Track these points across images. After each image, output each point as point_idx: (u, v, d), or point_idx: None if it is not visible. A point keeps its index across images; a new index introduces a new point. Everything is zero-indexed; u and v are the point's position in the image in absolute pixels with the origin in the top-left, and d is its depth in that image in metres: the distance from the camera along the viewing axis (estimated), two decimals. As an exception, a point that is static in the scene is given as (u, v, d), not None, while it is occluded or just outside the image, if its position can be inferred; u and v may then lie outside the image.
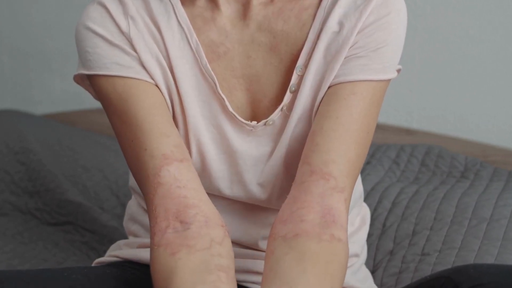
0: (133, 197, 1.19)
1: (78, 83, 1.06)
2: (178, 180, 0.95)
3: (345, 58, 0.99)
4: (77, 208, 1.61)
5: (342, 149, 0.96)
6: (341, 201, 0.94)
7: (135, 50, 1.00)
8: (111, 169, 1.75)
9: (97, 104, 2.27)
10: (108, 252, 1.18)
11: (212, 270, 0.89)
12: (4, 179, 1.73)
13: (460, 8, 2.00)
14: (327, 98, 0.99)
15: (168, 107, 1.01)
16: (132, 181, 1.15)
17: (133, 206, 1.18)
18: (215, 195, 1.06)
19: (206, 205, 0.95)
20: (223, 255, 0.92)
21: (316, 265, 0.89)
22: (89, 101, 2.44)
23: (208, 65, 1.01)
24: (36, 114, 2.33)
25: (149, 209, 0.96)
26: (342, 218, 0.93)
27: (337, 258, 0.91)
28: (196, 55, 1.01)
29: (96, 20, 1.00)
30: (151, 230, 0.95)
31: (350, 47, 0.99)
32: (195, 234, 0.92)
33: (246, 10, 1.01)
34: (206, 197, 0.97)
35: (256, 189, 1.05)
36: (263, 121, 1.03)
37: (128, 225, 1.19)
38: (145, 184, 0.97)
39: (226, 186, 1.05)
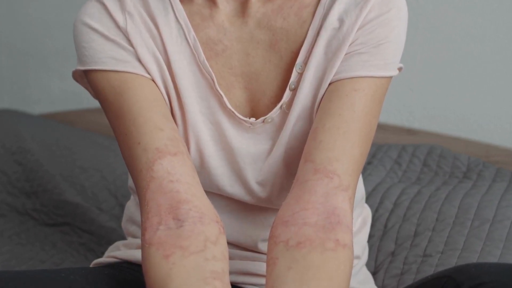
0: (132, 197, 1.18)
1: (76, 80, 1.07)
2: (171, 174, 0.95)
3: (345, 54, 0.99)
4: (75, 209, 1.61)
5: (346, 146, 0.95)
6: (345, 200, 0.93)
7: (131, 45, 1.00)
8: (109, 169, 1.75)
9: (95, 104, 2.27)
10: (107, 253, 1.18)
11: (207, 279, 0.88)
12: (1, 179, 1.72)
13: (461, 7, 1.99)
14: (328, 95, 0.98)
15: (165, 101, 1.01)
16: (131, 181, 1.14)
17: (132, 206, 1.17)
18: (214, 195, 1.06)
19: (199, 200, 0.94)
20: (218, 257, 0.91)
21: (320, 282, 0.88)
22: (87, 101, 2.43)
23: (205, 61, 1.01)
24: (34, 114, 2.32)
25: (141, 204, 0.96)
26: (347, 218, 0.92)
27: (341, 268, 0.90)
28: (194, 52, 1.01)
29: (93, 16, 1.00)
30: (142, 226, 0.94)
31: (351, 44, 0.99)
32: (189, 232, 0.91)
33: (245, 8, 1.01)
34: (200, 191, 0.96)
35: (255, 187, 1.05)
36: (262, 118, 1.02)
37: (126, 226, 1.18)
38: (138, 178, 0.97)
39: (225, 184, 1.05)
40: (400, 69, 1.04)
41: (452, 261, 1.28)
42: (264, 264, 1.07)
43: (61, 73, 2.54)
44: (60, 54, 2.53)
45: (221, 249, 0.92)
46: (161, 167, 0.95)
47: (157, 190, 0.94)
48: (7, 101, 2.65)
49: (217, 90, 1.01)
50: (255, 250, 1.10)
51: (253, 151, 1.03)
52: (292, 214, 0.93)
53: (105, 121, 1.04)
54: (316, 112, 1.00)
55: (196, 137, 1.02)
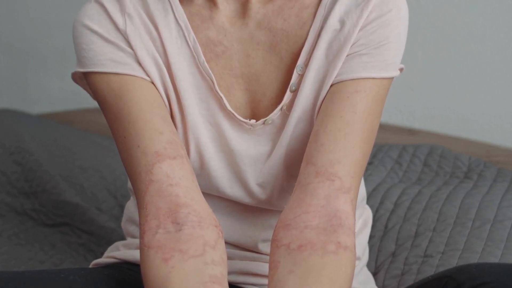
0: (131, 198, 1.18)
1: (76, 82, 1.07)
2: (170, 177, 0.94)
3: (347, 56, 0.98)
4: (74, 209, 1.60)
5: (348, 148, 0.95)
6: (347, 202, 0.93)
7: (131, 47, 0.99)
8: (109, 169, 1.74)
9: (95, 104, 2.25)
10: (106, 254, 1.17)
11: (206, 283, 0.88)
12: (0, 179, 1.72)
13: (462, 7, 1.99)
14: (330, 96, 0.98)
15: (164, 104, 1.00)
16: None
17: (132, 207, 1.17)
18: (214, 197, 1.06)
19: (198, 204, 0.94)
20: (217, 261, 0.91)
21: (321, 285, 0.88)
22: (86, 101, 2.43)
23: (205, 63, 1.00)
24: (33, 114, 2.32)
25: (140, 207, 0.95)
26: (349, 220, 0.92)
27: (343, 270, 0.89)
28: (194, 53, 1.00)
29: (92, 17, 1.00)
30: (140, 229, 0.94)
31: (352, 45, 0.98)
32: (188, 236, 0.91)
33: (245, 9, 1.00)
34: (199, 195, 0.96)
35: (255, 189, 1.04)
36: (262, 119, 1.02)
37: (126, 226, 1.18)
38: (136, 181, 0.96)
39: (225, 186, 1.04)
40: (401, 69, 1.04)
41: (453, 262, 1.28)
42: (264, 264, 1.07)
43: (61, 73, 2.53)
44: (59, 54, 2.53)
45: (220, 254, 0.92)
46: (160, 170, 0.94)
47: (156, 193, 0.94)
48: (6, 101, 2.65)
49: (217, 92, 1.01)
50: (255, 251, 1.10)
51: (253, 153, 1.03)
52: (294, 218, 0.92)
53: (105, 121, 1.04)
54: (317, 114, 0.99)
55: (196, 139, 1.02)
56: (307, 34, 1.00)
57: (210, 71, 1.00)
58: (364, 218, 1.19)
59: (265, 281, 1.08)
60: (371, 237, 1.42)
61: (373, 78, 0.98)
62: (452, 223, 1.39)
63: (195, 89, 1.01)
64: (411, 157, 1.73)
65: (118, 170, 1.74)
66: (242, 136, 1.03)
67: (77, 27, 1.00)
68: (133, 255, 1.10)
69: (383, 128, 1.98)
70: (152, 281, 0.90)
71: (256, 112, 1.03)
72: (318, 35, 0.99)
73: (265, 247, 1.08)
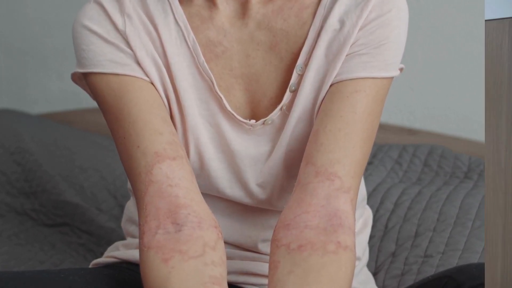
0: (131, 198, 1.18)
1: (76, 82, 1.07)
2: (170, 178, 0.94)
3: (346, 55, 0.98)
4: (74, 209, 1.60)
5: (348, 148, 0.95)
6: (347, 202, 0.93)
7: (130, 48, 0.99)
8: (109, 169, 1.74)
9: (94, 104, 2.25)
10: (106, 254, 1.17)
11: (206, 284, 0.88)
12: (0, 179, 1.72)
13: (462, 7, 1.99)
14: (330, 96, 0.98)
15: (164, 105, 1.00)
16: (130, 182, 1.14)
17: (132, 206, 1.17)
18: (214, 197, 1.06)
19: (198, 205, 0.94)
20: (216, 262, 0.91)
21: (321, 285, 0.88)
22: (86, 101, 2.42)
23: (205, 63, 1.00)
24: (32, 114, 2.32)
25: (139, 207, 0.95)
26: (349, 220, 0.92)
27: (343, 270, 0.89)
28: (193, 54, 1.00)
29: (92, 18, 1.00)
30: (140, 229, 0.94)
31: (352, 45, 0.98)
32: (188, 237, 0.91)
33: (245, 9, 1.00)
34: (199, 196, 0.96)
35: (255, 190, 1.04)
36: (262, 120, 1.02)
37: (126, 226, 1.18)
38: (136, 181, 0.96)
39: (225, 186, 1.04)
40: (401, 69, 1.04)
41: (453, 262, 1.28)
42: (264, 264, 1.07)
43: (60, 73, 2.53)
44: (59, 53, 2.52)
45: (220, 255, 0.92)
46: (160, 171, 0.95)
47: (156, 194, 0.94)
48: (5, 101, 2.65)
49: (217, 93, 1.01)
50: (255, 251, 1.10)
51: (253, 153, 1.03)
52: (294, 218, 0.93)
53: (105, 121, 1.04)
54: (317, 114, 0.99)
55: (195, 139, 1.02)
56: (307, 34, 1.00)
57: (210, 72, 1.00)
58: (364, 218, 1.19)
59: (265, 281, 1.08)
60: (371, 237, 1.42)
61: (373, 78, 0.98)
62: (452, 223, 1.39)
63: (194, 89, 1.01)
64: (411, 157, 1.73)
65: (118, 170, 1.74)
66: (242, 137, 1.03)
67: (76, 28, 1.00)
68: (133, 254, 1.10)
69: (383, 128, 1.98)
70: (152, 281, 0.90)
71: (256, 112, 1.03)
72: (318, 35, 0.99)
73: (265, 247, 1.08)
